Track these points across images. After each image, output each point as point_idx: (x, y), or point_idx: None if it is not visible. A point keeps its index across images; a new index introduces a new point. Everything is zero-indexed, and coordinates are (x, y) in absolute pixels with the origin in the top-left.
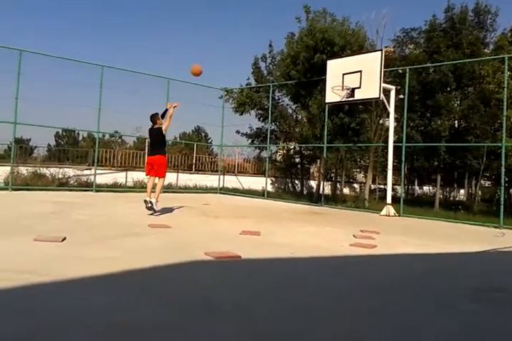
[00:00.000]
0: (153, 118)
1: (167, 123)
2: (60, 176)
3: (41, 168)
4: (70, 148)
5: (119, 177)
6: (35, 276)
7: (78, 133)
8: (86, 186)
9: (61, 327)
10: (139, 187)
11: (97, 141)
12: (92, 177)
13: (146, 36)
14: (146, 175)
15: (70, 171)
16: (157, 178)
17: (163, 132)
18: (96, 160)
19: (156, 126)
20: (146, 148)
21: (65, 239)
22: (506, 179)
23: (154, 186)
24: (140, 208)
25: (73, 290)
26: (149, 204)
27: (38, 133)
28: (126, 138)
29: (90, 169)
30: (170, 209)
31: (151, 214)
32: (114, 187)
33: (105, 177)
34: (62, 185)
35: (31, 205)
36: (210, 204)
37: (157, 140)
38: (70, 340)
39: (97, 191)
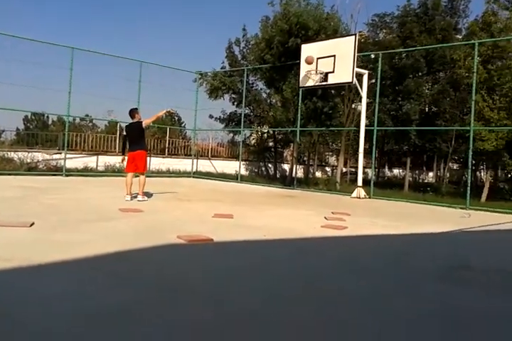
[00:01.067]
0: (132, 112)
1: (150, 120)
2: (29, 160)
3: (9, 152)
4: (39, 131)
5: (90, 161)
6: (2, 262)
7: (48, 117)
8: (56, 170)
9: (26, 313)
10: (111, 171)
11: (66, 124)
12: (62, 162)
13: (119, 17)
14: (125, 171)
15: (39, 155)
16: (139, 174)
17: (143, 126)
18: (66, 144)
19: (135, 120)
20: (118, 132)
21: (33, 223)
22: (473, 162)
23: (134, 182)
24: (111, 192)
25: (39, 275)
26: (138, 200)
27: (6, 116)
28: (97, 122)
29: (60, 153)
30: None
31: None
32: (85, 172)
33: (76, 161)
34: (31, 169)
35: None
36: (183, 188)
37: (137, 134)
38: (32, 327)
39: (67, 175)
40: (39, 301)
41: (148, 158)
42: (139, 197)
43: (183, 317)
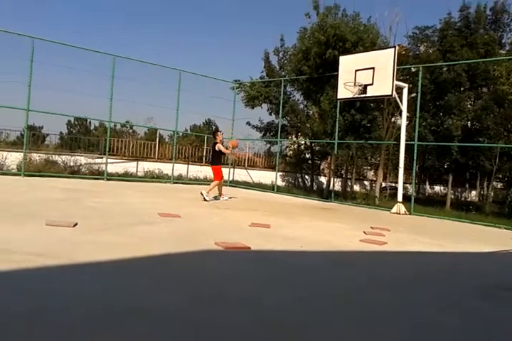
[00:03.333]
0: (213, 134)
1: (224, 150)
2: (72, 164)
3: (53, 156)
4: (81, 136)
5: (130, 166)
6: (47, 259)
7: (90, 122)
8: (97, 174)
9: (62, 309)
10: (149, 177)
11: (108, 130)
12: (104, 166)
13: (159, 28)
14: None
15: (81, 159)
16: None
17: (216, 148)
18: (107, 149)
19: (215, 141)
20: (157, 139)
21: (76, 224)
22: None
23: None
24: (150, 197)
25: (83, 273)
26: (203, 196)
27: (51, 120)
28: (137, 128)
29: (102, 158)
30: (179, 200)
31: (204, 200)
32: (125, 177)
33: (116, 166)
34: (74, 172)
35: (43, 191)
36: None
37: (212, 152)
38: (69, 322)
39: (108, 180)
40: (75, 297)
41: (186, 165)
42: (203, 192)
43: (217, 320)
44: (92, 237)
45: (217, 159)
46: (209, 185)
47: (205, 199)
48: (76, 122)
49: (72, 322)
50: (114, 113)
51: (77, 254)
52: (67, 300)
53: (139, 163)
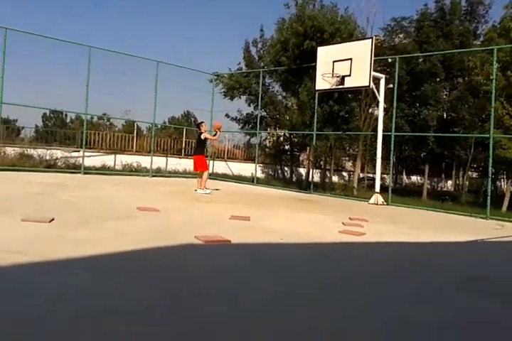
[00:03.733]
0: (198, 125)
1: (210, 137)
2: (48, 157)
3: (28, 149)
4: (57, 129)
5: (108, 160)
6: (21, 256)
7: (66, 115)
8: (74, 168)
9: (41, 309)
10: (128, 170)
11: (84, 122)
12: (81, 160)
13: (137, 18)
14: (194, 170)
15: (58, 153)
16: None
17: (202, 137)
18: (84, 142)
19: (200, 132)
20: (135, 131)
21: (53, 219)
22: (493, 170)
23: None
24: (129, 191)
25: (59, 270)
26: (199, 193)
27: (26, 113)
28: (114, 121)
29: (78, 151)
30: (158, 193)
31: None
32: (103, 170)
33: (93, 159)
34: (50, 166)
35: (18, 186)
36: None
37: (196, 143)
38: (47, 323)
39: (85, 173)
40: (51, 295)
41: (165, 158)
42: (199, 190)
43: (196, 312)
44: (69, 233)
45: (201, 149)
46: (196, 178)
47: (207, 190)
48: (52, 115)
49: (46, 323)
50: (91, 105)
51: (53, 250)
52: (39, 300)
53: (117, 156)
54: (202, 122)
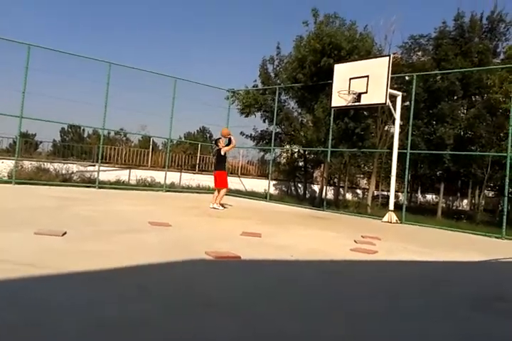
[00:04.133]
0: (215, 142)
1: (229, 149)
2: (64, 172)
3: (45, 163)
4: (75, 144)
5: (123, 174)
6: (33, 268)
7: (83, 130)
8: (89, 182)
9: (52, 321)
10: (142, 185)
11: (101, 137)
12: (96, 174)
13: (154, 35)
14: (214, 187)
15: (73, 167)
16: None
17: (222, 153)
18: (100, 157)
19: (218, 148)
20: (150, 147)
21: (65, 233)
22: (510, 190)
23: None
24: (142, 206)
25: (69, 283)
26: (212, 207)
27: (44, 128)
28: (130, 136)
29: (94, 165)
30: (171, 208)
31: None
32: (117, 185)
33: (109, 174)
34: (66, 180)
35: (33, 199)
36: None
37: (217, 158)
38: (59, 334)
39: (99, 187)
40: (61, 308)
41: (179, 173)
42: (215, 205)
43: (203, 330)
44: (81, 246)
45: (222, 165)
46: (213, 193)
47: (222, 207)
48: (70, 129)
49: (59, 337)
50: (108, 120)
51: (65, 264)
52: (52, 312)
53: (132, 170)
54: (220, 138)
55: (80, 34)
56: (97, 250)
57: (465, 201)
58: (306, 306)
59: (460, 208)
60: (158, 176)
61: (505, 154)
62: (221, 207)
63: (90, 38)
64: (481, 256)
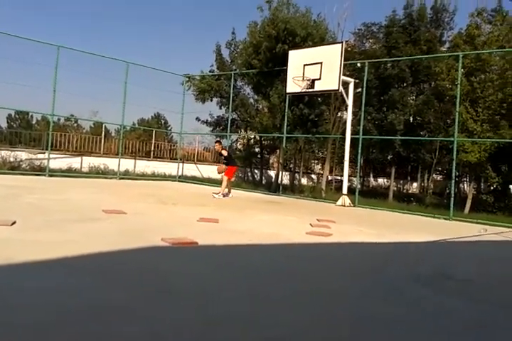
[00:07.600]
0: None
1: (224, 152)
2: (12, 159)
3: None
4: (23, 130)
5: (74, 162)
6: None
7: (32, 116)
8: (39, 170)
9: (5, 312)
10: (95, 172)
11: (50, 124)
12: (46, 162)
13: (106, 18)
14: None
15: (22, 154)
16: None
17: (225, 155)
18: (50, 144)
19: (219, 152)
20: (103, 133)
21: (14, 222)
22: (457, 173)
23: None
24: (94, 194)
25: (21, 274)
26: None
27: None
28: (82, 122)
29: (44, 153)
30: (125, 195)
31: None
32: (69, 173)
33: (60, 161)
34: (14, 168)
35: None
36: (168, 192)
37: (226, 159)
38: (16, 325)
39: (50, 176)
40: (18, 298)
41: (133, 160)
42: (217, 195)
43: (164, 316)
44: (32, 236)
45: (233, 161)
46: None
47: (224, 195)
48: (17, 116)
49: (14, 328)
50: (58, 106)
51: (15, 254)
52: (7, 303)
53: (84, 158)
54: (218, 141)
55: (28, 16)
56: (48, 240)
57: (415, 184)
58: (262, 290)
59: (410, 191)
60: (112, 163)
61: (452, 139)
62: (220, 196)
63: (37, 20)
64: (430, 237)
